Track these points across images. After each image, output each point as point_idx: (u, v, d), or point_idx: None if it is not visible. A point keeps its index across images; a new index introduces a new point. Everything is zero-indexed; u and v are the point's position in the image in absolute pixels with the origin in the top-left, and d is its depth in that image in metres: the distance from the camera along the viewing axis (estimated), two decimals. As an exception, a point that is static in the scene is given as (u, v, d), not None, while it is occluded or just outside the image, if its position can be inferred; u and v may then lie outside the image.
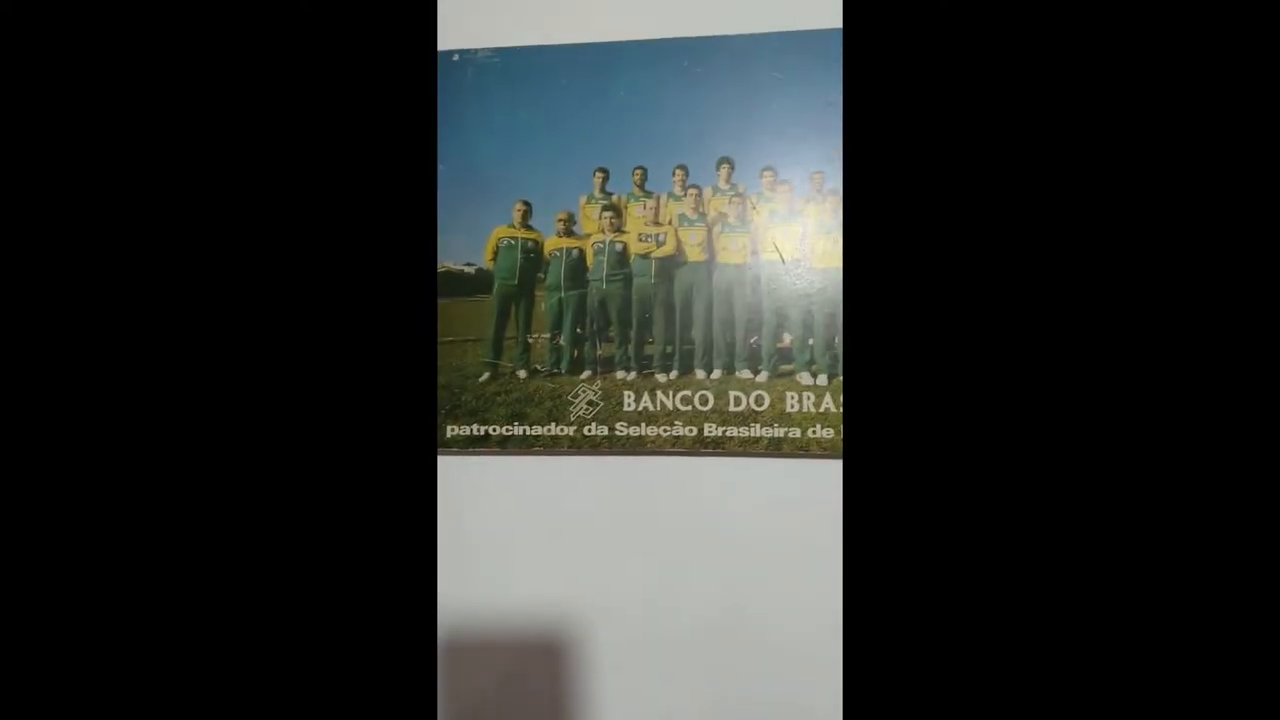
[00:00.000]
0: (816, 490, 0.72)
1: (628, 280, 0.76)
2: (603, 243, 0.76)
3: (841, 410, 0.71)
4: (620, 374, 0.75)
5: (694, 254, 0.75)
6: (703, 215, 0.75)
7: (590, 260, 0.76)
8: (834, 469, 0.72)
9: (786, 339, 0.73)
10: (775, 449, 0.72)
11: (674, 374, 0.74)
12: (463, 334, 0.77)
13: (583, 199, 0.76)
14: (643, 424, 0.74)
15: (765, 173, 0.73)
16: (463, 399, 0.76)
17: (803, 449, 0.71)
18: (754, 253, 0.74)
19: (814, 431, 0.72)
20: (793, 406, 0.72)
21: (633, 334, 0.75)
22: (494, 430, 0.75)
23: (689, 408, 0.73)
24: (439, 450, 0.75)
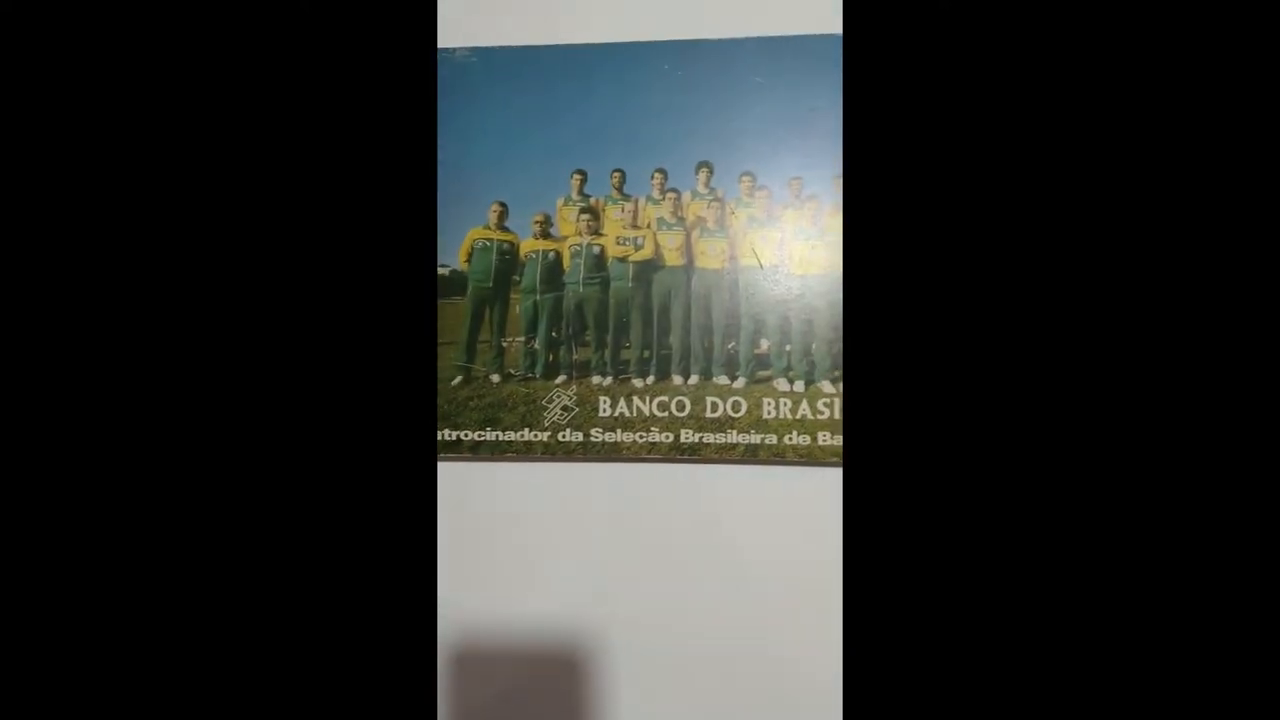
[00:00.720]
0: (793, 496, 0.71)
1: (605, 284, 0.75)
2: (580, 245, 0.75)
3: (818, 417, 0.71)
4: (596, 379, 0.74)
5: (672, 258, 0.75)
6: (681, 219, 0.74)
7: (567, 263, 0.75)
8: (810, 475, 0.72)
9: (764, 345, 0.73)
10: (752, 455, 0.71)
11: (651, 379, 0.74)
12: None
13: (560, 201, 0.75)
14: (619, 430, 0.73)
15: (744, 178, 0.73)
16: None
17: (779, 455, 0.71)
18: (732, 258, 0.74)
19: (790, 438, 0.71)
20: (769, 413, 0.72)
21: (609, 338, 0.75)
22: (466, 435, 0.74)
23: (666, 414, 0.73)
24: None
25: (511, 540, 0.74)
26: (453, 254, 0.75)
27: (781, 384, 0.72)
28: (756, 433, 0.72)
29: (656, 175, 0.74)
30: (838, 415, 0.71)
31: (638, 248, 0.75)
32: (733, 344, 0.73)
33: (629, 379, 0.74)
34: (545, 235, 0.76)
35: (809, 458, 0.71)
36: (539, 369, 0.75)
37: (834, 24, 0.71)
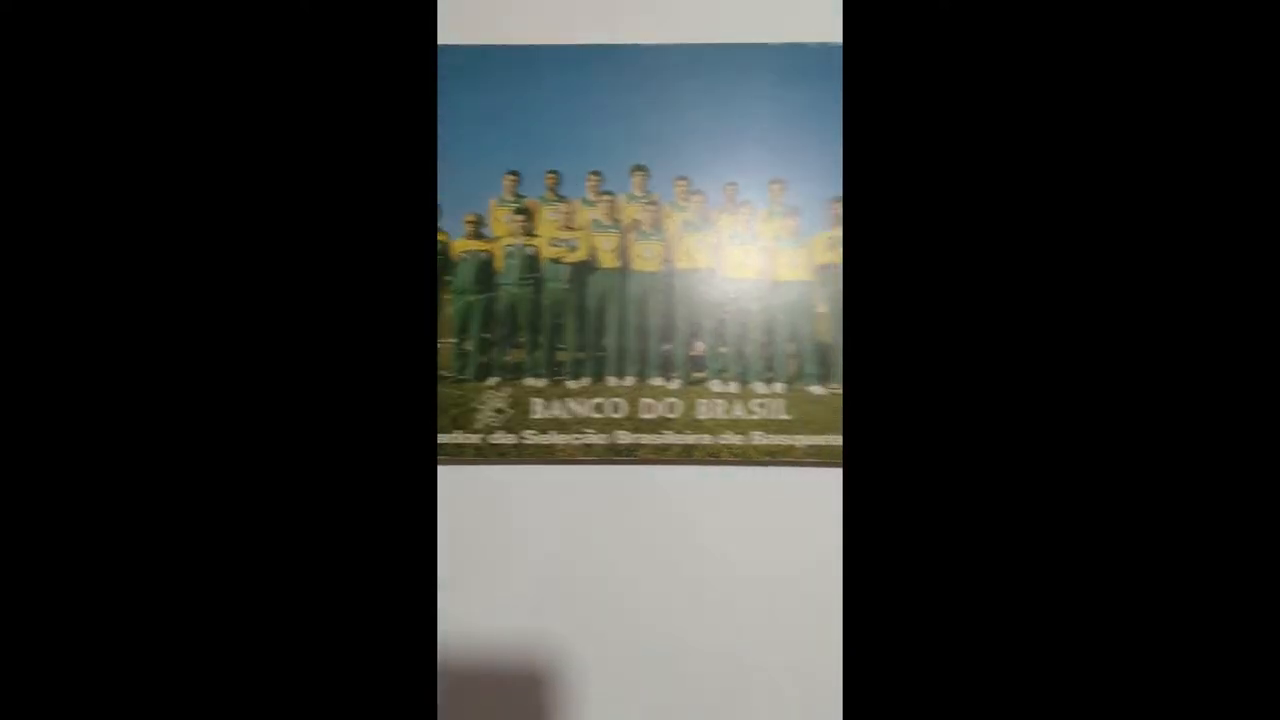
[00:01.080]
0: (728, 495, 0.72)
1: (539, 285, 0.74)
2: (514, 246, 0.74)
3: (750, 416, 0.72)
4: (530, 380, 0.73)
5: (607, 260, 0.75)
6: (617, 222, 0.75)
7: (500, 264, 0.74)
8: (744, 474, 0.72)
9: (699, 347, 0.74)
10: (687, 456, 0.72)
11: (586, 381, 0.73)
12: (362, 337, 0.73)
13: (493, 201, 0.75)
14: (553, 432, 0.72)
15: (679, 181, 0.74)
16: (361, 405, 0.72)
17: (714, 455, 0.72)
18: (667, 261, 0.74)
19: (725, 438, 0.72)
20: (704, 414, 0.72)
21: (543, 340, 0.74)
22: (393, 439, 0.71)
23: (601, 415, 0.72)
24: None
25: (450, 543, 0.71)
26: (381, 252, 0.73)
27: (716, 385, 0.73)
28: (692, 433, 0.72)
29: (591, 177, 0.75)
30: (771, 415, 0.72)
31: (573, 249, 0.75)
32: (668, 346, 0.74)
33: (563, 380, 0.73)
34: (478, 236, 0.74)
35: (743, 457, 0.72)
36: (471, 370, 0.73)
37: (773, 33, 0.73)
